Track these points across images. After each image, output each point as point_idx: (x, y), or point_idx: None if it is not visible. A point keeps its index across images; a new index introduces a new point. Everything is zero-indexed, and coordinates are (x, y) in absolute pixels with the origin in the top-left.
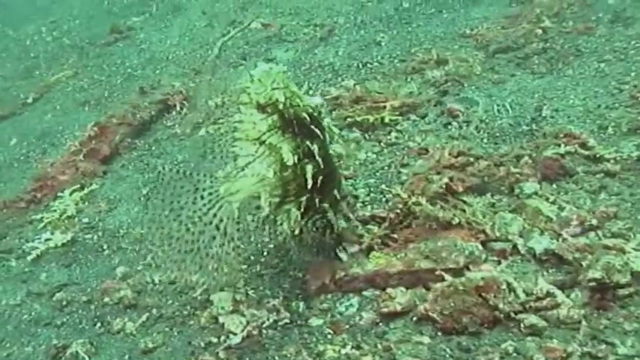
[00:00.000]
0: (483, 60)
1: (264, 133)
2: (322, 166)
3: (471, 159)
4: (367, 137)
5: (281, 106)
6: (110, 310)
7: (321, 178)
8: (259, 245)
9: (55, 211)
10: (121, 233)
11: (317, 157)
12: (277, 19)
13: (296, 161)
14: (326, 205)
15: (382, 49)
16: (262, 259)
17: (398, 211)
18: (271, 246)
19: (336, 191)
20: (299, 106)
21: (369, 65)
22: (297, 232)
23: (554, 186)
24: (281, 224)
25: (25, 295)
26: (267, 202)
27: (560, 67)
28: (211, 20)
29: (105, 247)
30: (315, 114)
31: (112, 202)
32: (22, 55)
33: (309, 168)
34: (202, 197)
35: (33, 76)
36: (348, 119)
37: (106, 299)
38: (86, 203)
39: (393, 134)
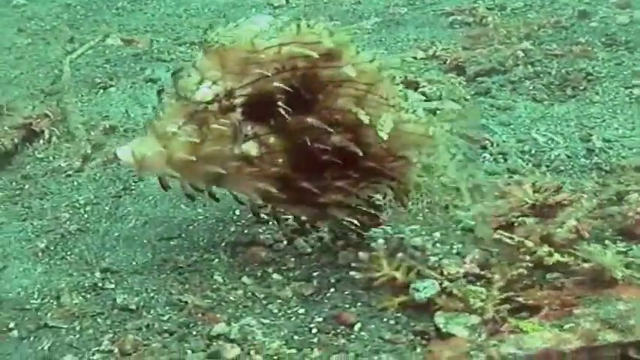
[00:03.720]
0: (464, 83)
1: None
2: None
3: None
4: None
5: None
6: None
7: None
8: None
9: None
10: (34, 304)
11: None
12: (132, 37)
13: None
14: None
15: None
16: None
17: (528, 263)
18: None
19: None
20: None
21: None
22: None
23: None
24: None
25: None
26: None
27: (571, 93)
28: (38, 38)
29: (12, 325)
30: None
31: None
32: None
33: None
34: None
35: None
36: None
37: None
38: None
39: None
